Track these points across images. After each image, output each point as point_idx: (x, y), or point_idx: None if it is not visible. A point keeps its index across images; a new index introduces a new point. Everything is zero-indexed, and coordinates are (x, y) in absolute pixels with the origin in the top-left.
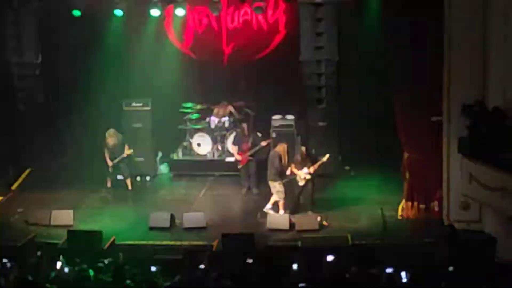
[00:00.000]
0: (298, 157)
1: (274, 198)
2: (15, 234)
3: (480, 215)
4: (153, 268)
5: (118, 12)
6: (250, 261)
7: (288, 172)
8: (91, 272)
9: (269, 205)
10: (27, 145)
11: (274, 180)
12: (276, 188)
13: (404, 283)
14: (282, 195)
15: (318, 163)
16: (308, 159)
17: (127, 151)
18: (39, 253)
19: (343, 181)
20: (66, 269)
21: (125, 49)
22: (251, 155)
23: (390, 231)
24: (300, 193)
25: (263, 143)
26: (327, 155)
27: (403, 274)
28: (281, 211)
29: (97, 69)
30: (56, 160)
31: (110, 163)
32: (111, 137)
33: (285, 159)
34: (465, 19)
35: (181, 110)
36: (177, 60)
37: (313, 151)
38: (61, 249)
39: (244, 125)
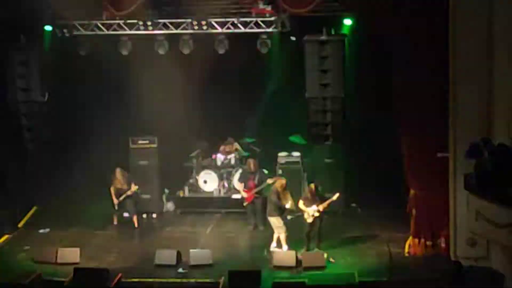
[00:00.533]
0: (308, 195)
1: (276, 234)
2: (21, 272)
3: (488, 252)
4: None
5: (124, 51)
6: None
7: (287, 205)
8: None
9: (274, 243)
10: (34, 183)
11: (273, 216)
12: (275, 224)
13: None
14: (282, 230)
15: (328, 201)
16: (317, 197)
17: (133, 188)
18: None
19: (349, 218)
20: None
21: (131, 86)
22: (257, 192)
23: (397, 268)
24: (310, 231)
25: (269, 181)
26: (338, 194)
27: None
28: (285, 247)
29: (103, 106)
30: (62, 197)
31: (116, 200)
32: (118, 177)
33: (283, 194)
34: (471, 55)
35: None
36: (183, 97)
37: (319, 188)
38: (67, 287)
39: (250, 162)
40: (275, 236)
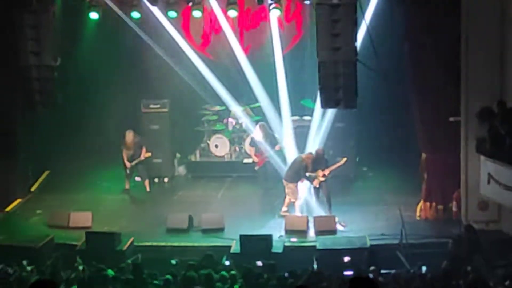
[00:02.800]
0: (315, 158)
1: (288, 199)
2: (34, 235)
3: (499, 215)
4: (173, 261)
5: (135, 14)
6: (259, 263)
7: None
8: (110, 272)
9: (284, 208)
10: (46, 148)
11: (290, 182)
12: (291, 190)
13: (424, 282)
14: (296, 196)
15: (335, 166)
16: (324, 160)
17: (145, 154)
18: (55, 254)
19: (360, 182)
20: (81, 268)
21: (142, 50)
22: (268, 157)
23: (409, 231)
24: (318, 194)
25: (277, 148)
26: (345, 159)
27: (423, 268)
28: (298, 213)
29: (114, 71)
30: (74, 162)
31: (128, 164)
32: (129, 139)
33: (309, 168)
34: (483, 20)
35: (199, 111)
36: (194, 62)
37: (331, 152)
38: (79, 250)
39: (261, 125)
40: (286, 201)
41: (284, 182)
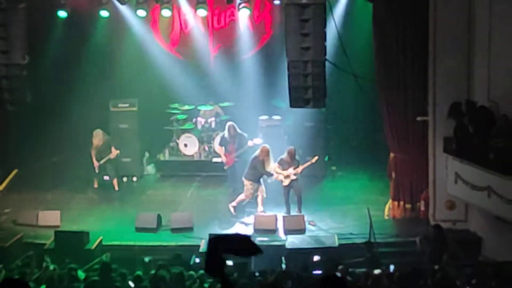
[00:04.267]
0: (286, 157)
1: (241, 196)
2: (2, 234)
3: (466, 215)
4: (146, 259)
5: (104, 13)
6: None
7: (275, 175)
8: (80, 272)
9: (234, 203)
10: (14, 146)
11: (248, 180)
12: (248, 187)
13: (391, 281)
14: (249, 194)
15: (306, 164)
16: (295, 160)
17: (114, 152)
18: (30, 253)
19: (329, 181)
20: (51, 268)
21: (112, 50)
22: (237, 156)
23: (377, 230)
24: (288, 194)
25: (249, 144)
26: (316, 157)
27: (391, 267)
28: (260, 207)
29: (83, 70)
30: (42, 160)
31: (96, 163)
32: (98, 138)
33: (266, 161)
34: (451, 18)
35: (168, 110)
36: (163, 61)
37: (300, 151)
38: (48, 249)
39: (230, 125)
40: (259, 200)
41: (243, 180)
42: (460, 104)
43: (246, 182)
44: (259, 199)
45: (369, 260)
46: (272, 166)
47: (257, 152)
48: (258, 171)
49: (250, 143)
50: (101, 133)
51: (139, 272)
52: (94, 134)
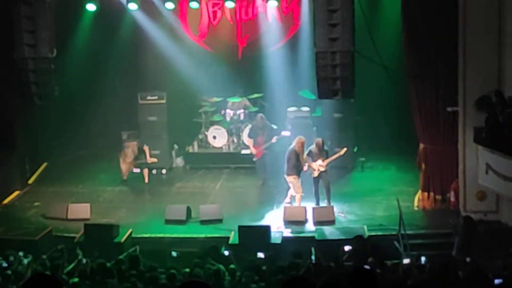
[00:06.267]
0: (315, 149)
1: (291, 192)
2: (32, 228)
3: (497, 205)
4: (173, 254)
5: (133, 6)
6: (261, 255)
7: (305, 168)
8: (109, 264)
9: (287, 199)
10: (43, 140)
11: (291, 175)
12: (294, 183)
13: (422, 272)
14: (300, 190)
15: (335, 156)
16: (324, 151)
17: (150, 159)
18: (60, 247)
19: (359, 173)
20: (84, 261)
21: (140, 42)
22: (266, 148)
23: (407, 222)
24: (317, 185)
25: (274, 140)
26: (345, 149)
27: (422, 258)
28: (288, 199)
29: (111, 63)
30: (72, 154)
31: (125, 176)
32: (129, 148)
33: (302, 154)
34: (481, 9)
35: (197, 103)
36: (192, 53)
37: (329, 143)
38: (78, 242)
39: (259, 117)
40: (289, 193)
41: (286, 177)
42: (488, 96)
43: (290, 179)
44: (289, 192)
45: (400, 252)
46: (305, 159)
47: (292, 145)
48: (296, 164)
49: (274, 139)
50: (131, 144)
51: (172, 271)
52: (125, 147)
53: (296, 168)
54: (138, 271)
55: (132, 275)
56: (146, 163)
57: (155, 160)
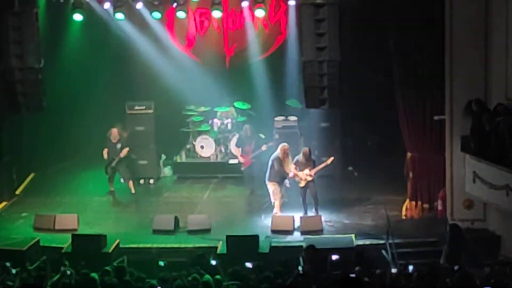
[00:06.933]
0: (301, 158)
1: (275, 202)
2: (19, 238)
3: (484, 214)
4: (160, 263)
5: (119, 16)
6: (249, 265)
7: (290, 174)
8: (95, 276)
9: (275, 210)
10: (31, 150)
11: (271, 181)
12: (273, 190)
13: (410, 281)
14: (278, 197)
15: (322, 165)
16: (311, 161)
17: (124, 151)
18: (44, 257)
19: (346, 182)
20: (69, 273)
21: (127, 52)
22: (254, 157)
23: (394, 230)
24: (304, 195)
25: (263, 148)
26: (332, 158)
27: (410, 267)
28: (279, 213)
29: (99, 72)
30: (59, 164)
31: (106, 156)
32: (113, 136)
33: (285, 161)
34: (467, 17)
35: (184, 112)
36: (179, 63)
37: (316, 152)
38: (65, 253)
39: (247, 127)
40: (277, 203)
41: (267, 183)
42: (473, 101)
43: (271, 185)
44: (277, 202)
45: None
46: (290, 166)
47: (276, 152)
48: (279, 171)
49: (263, 147)
50: (115, 131)
51: (153, 282)
52: (109, 132)
53: (279, 175)
54: (122, 282)
55: (116, 285)
56: (121, 158)
57: (127, 149)
